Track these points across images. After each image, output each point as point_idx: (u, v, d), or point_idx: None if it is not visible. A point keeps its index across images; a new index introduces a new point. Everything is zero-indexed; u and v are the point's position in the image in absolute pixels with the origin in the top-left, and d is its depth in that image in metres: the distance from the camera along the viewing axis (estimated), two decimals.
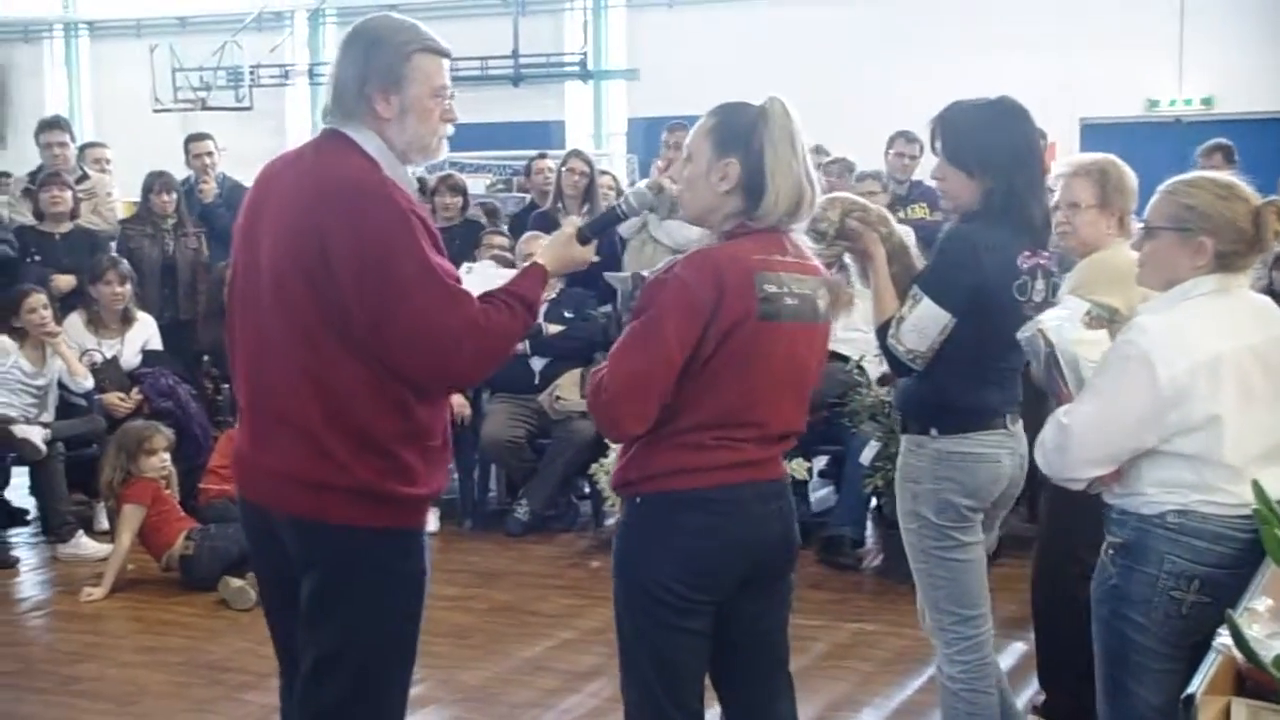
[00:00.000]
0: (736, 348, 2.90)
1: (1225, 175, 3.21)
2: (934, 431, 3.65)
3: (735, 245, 2.97)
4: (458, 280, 2.95)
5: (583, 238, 3.19)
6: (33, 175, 8.84)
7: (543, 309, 7.32)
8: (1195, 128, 15.05)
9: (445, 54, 3.04)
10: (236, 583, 6.01)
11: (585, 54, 20.28)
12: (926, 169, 9.16)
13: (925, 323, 3.53)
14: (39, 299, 7.24)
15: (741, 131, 2.97)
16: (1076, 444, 3.04)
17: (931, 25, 17.41)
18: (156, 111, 20.47)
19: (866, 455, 6.33)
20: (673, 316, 2.87)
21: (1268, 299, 3.31)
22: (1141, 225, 3.28)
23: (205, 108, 20.49)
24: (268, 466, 3.01)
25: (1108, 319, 3.64)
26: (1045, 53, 16.58)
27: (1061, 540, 4.26)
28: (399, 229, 2.84)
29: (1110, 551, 3.14)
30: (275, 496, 3.01)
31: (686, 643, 3.02)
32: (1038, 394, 3.69)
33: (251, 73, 21.31)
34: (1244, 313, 3.11)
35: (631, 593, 3.04)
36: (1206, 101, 16.97)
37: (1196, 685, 2.31)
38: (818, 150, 9.30)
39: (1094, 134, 16.13)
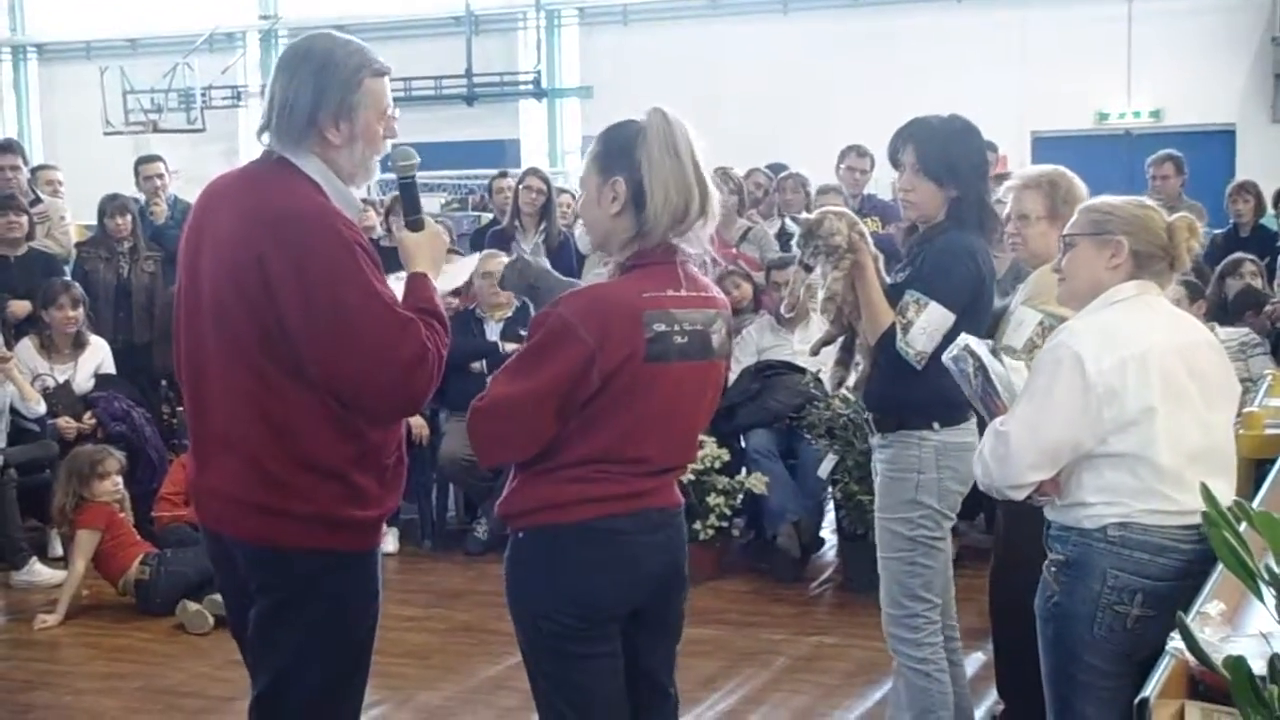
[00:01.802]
0: (620, 389, 2.84)
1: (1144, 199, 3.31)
2: (936, 425, 3.84)
3: (626, 282, 2.92)
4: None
5: (412, 226, 3.14)
6: None
7: (499, 327, 7.41)
8: (1144, 140, 15.21)
9: (388, 72, 3.04)
10: (194, 607, 5.97)
11: (539, 72, 20.30)
12: (878, 183, 9.22)
13: (933, 326, 3.74)
14: None
15: (623, 149, 2.92)
16: (1016, 449, 3.05)
17: (883, 40, 17.52)
18: (108, 134, 20.34)
19: (824, 468, 6.37)
20: (549, 355, 2.82)
21: (1185, 314, 3.37)
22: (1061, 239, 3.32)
23: (157, 130, 20.36)
24: (216, 490, 2.99)
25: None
26: (996, 67, 16.72)
27: (1017, 550, 4.28)
28: (344, 260, 2.81)
29: (1053, 569, 3.15)
30: (226, 521, 2.99)
31: (594, 667, 2.95)
32: None
33: (203, 94, 21.19)
34: (1166, 317, 3.17)
35: (526, 629, 2.99)
36: (1155, 114, 17.15)
37: (1150, 689, 2.34)
38: (775, 168, 9.41)
39: (1044, 147, 16.28)
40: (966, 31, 17.20)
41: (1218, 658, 1.88)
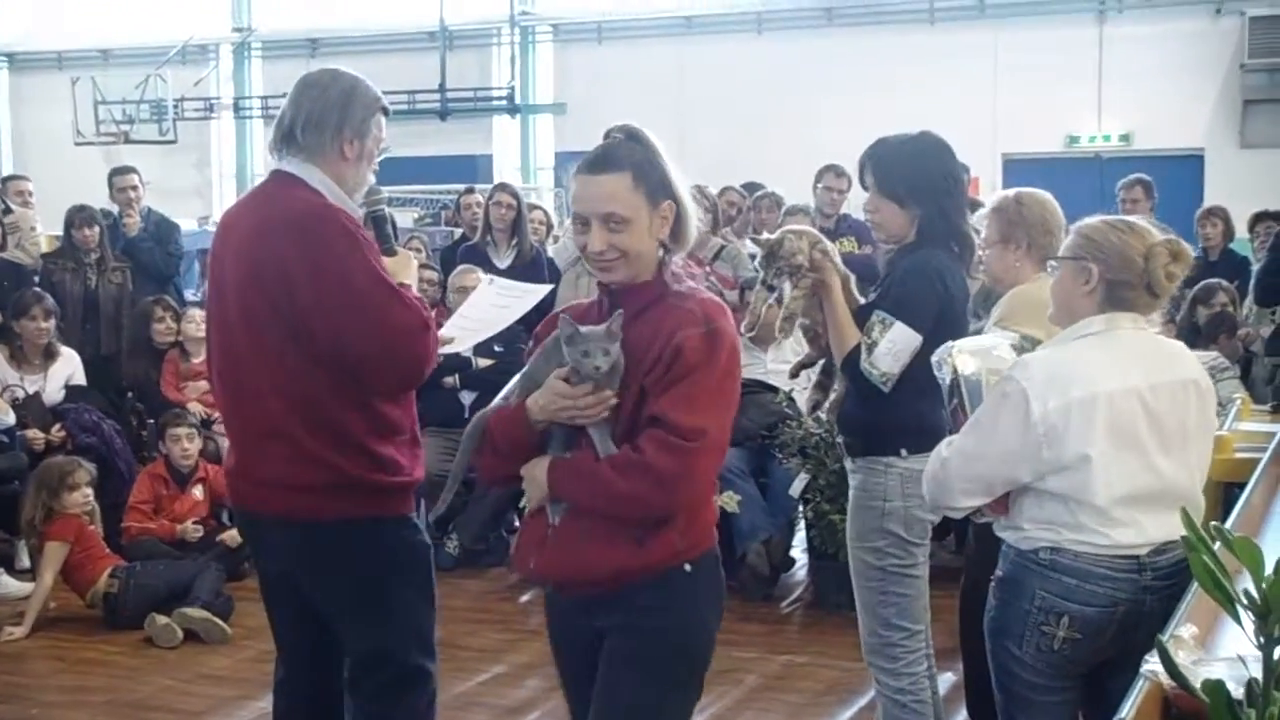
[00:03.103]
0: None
1: (1137, 219, 3.26)
2: (904, 451, 3.77)
3: (702, 290, 2.89)
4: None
5: (385, 253, 3.40)
6: None
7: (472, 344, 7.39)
8: (1114, 163, 15.34)
9: (390, 113, 3.49)
10: (162, 620, 5.93)
11: (513, 88, 20.33)
12: (855, 203, 9.26)
13: (899, 346, 3.67)
14: None
15: (656, 170, 2.82)
16: (952, 475, 3.09)
17: (856, 61, 17.63)
18: (79, 145, 20.27)
19: (796, 487, 6.38)
20: (733, 372, 2.82)
21: (1176, 344, 3.35)
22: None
23: (128, 141, 20.33)
24: (257, 478, 3.33)
25: (1031, 351, 3.70)
26: (968, 89, 16.83)
27: (986, 570, 4.29)
28: (350, 247, 3.18)
29: (993, 584, 3.20)
30: (268, 503, 3.32)
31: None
32: None
33: (176, 106, 21.15)
34: (1134, 355, 3.08)
35: (681, 661, 2.87)
36: (1125, 138, 17.30)
37: (1125, 711, 2.35)
38: (750, 186, 9.43)
39: (1015, 169, 16.39)
40: (938, 53, 17.32)
41: (1192, 681, 1.90)
